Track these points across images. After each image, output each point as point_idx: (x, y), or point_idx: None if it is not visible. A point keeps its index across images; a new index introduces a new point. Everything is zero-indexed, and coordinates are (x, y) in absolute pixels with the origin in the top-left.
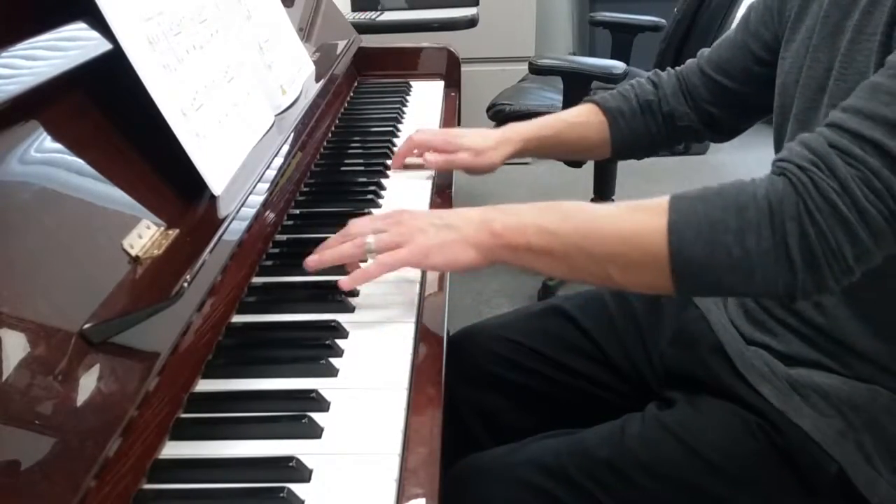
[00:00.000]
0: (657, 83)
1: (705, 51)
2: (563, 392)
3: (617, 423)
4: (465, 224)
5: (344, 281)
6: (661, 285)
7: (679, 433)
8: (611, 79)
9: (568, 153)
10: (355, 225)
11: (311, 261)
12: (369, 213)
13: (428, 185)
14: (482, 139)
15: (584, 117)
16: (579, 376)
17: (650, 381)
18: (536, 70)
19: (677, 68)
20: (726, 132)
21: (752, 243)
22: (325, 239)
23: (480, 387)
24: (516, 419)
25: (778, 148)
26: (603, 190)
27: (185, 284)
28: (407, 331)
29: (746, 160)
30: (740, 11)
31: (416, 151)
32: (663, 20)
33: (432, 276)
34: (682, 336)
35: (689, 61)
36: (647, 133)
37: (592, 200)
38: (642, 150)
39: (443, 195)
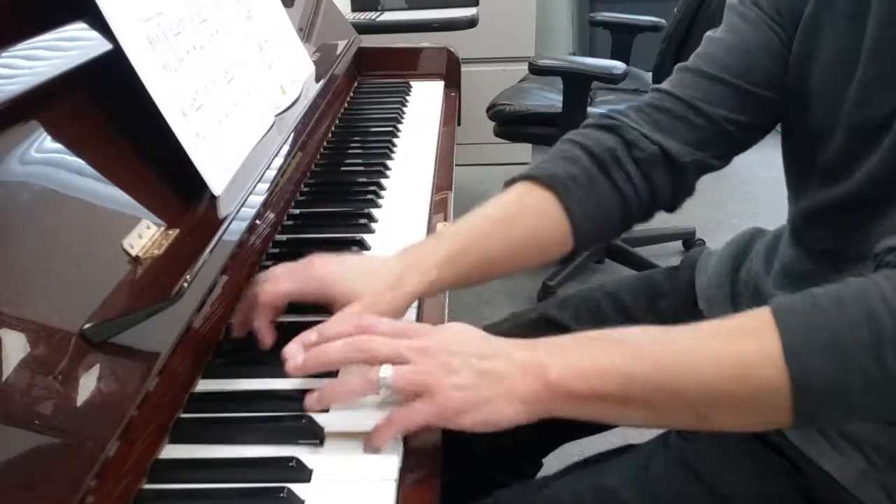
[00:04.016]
0: (616, 126)
1: (700, 61)
2: None
3: (640, 460)
4: (512, 370)
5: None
6: (776, 423)
7: (704, 474)
8: (611, 79)
9: (510, 264)
10: (368, 328)
11: (293, 368)
12: (368, 213)
13: (428, 184)
14: (373, 277)
15: (519, 205)
16: None
17: None
18: (536, 70)
19: (649, 98)
20: (732, 154)
21: (894, 360)
22: (325, 239)
23: None
24: (517, 433)
25: (799, 176)
26: None
27: (185, 284)
28: None
29: (747, 159)
30: None
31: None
32: (663, 20)
33: None
34: None
35: (677, 80)
36: (617, 197)
37: None
38: (618, 223)
39: (442, 195)
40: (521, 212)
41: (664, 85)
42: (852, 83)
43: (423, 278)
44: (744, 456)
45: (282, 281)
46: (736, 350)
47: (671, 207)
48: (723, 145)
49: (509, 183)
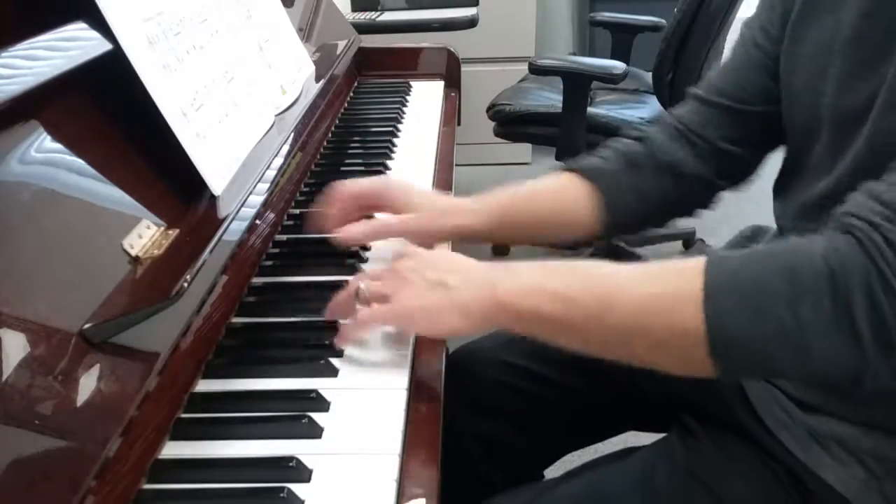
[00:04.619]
0: (644, 138)
1: (701, 87)
2: (566, 413)
3: (643, 467)
4: (465, 284)
5: (337, 339)
6: (697, 365)
7: (707, 482)
8: (611, 79)
9: (544, 230)
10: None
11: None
12: (369, 213)
13: (428, 184)
14: (432, 198)
15: (561, 184)
16: (580, 397)
17: (655, 398)
18: (536, 70)
19: (666, 117)
20: (742, 172)
21: (808, 314)
22: (325, 239)
23: (481, 416)
24: (519, 443)
25: (790, 176)
26: None
27: (185, 284)
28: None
29: None
30: (740, 13)
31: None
32: (663, 20)
33: None
34: None
35: (681, 106)
36: (641, 192)
37: None
38: (643, 215)
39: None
40: (562, 189)
41: (676, 110)
42: (831, 75)
43: (474, 216)
44: (747, 464)
45: (362, 182)
46: (662, 289)
47: (685, 213)
48: (724, 164)
49: (555, 171)
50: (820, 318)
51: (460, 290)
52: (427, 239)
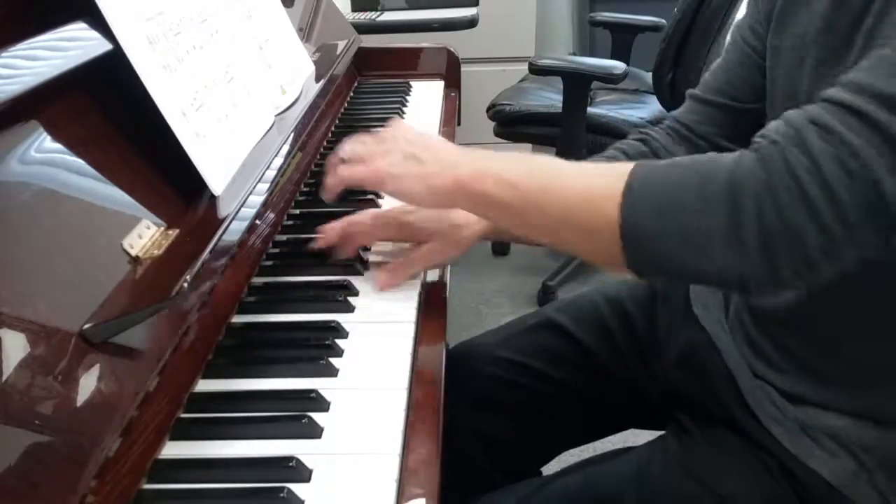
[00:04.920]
0: (646, 139)
1: (698, 87)
2: (564, 409)
3: (637, 463)
4: (434, 161)
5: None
6: (613, 257)
7: (702, 477)
8: (611, 79)
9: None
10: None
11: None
12: None
13: None
14: (442, 222)
15: None
16: (579, 393)
17: (653, 396)
18: (536, 70)
19: (663, 123)
20: None
21: (707, 221)
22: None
23: (479, 412)
24: (517, 440)
25: None
26: None
27: (185, 284)
28: (407, 330)
29: None
30: (739, 13)
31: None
32: (663, 20)
33: (433, 276)
34: (689, 361)
35: (681, 108)
36: None
37: None
38: None
39: None
40: None
41: (675, 112)
42: (808, 65)
43: (480, 224)
44: (740, 459)
45: (374, 228)
46: (592, 183)
47: None
48: None
49: None
50: (715, 225)
51: (429, 166)
52: (458, 253)
